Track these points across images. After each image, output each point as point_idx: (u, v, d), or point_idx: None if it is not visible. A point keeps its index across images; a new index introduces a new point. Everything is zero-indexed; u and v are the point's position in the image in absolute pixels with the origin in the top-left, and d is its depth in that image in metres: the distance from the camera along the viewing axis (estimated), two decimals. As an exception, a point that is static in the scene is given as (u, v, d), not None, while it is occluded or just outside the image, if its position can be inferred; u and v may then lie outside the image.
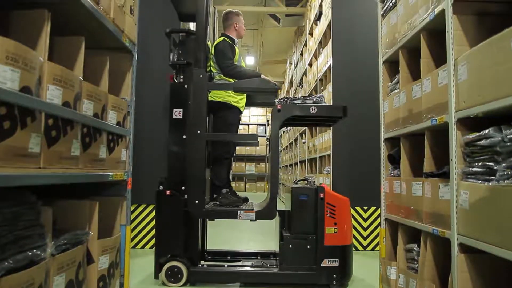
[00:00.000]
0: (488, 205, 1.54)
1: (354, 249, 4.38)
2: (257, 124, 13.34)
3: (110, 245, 2.38)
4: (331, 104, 4.24)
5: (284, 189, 9.87)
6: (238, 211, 2.90)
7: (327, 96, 4.47)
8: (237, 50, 3.25)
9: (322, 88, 5.13)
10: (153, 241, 4.06)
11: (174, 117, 3.12)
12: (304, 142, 6.09)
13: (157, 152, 4.06)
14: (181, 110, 3.12)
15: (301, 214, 2.96)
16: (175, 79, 3.18)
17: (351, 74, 4.19)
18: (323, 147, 4.73)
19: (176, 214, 2.95)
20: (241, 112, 3.35)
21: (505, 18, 1.88)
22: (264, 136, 13.08)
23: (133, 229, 4.14)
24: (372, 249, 4.26)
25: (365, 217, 4.29)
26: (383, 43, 2.81)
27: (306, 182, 3.55)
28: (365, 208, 4.28)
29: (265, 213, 2.92)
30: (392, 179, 2.56)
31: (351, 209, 4.27)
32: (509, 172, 1.46)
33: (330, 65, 4.42)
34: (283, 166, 9.90)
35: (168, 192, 2.99)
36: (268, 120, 12.10)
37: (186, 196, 2.98)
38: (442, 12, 1.94)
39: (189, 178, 2.91)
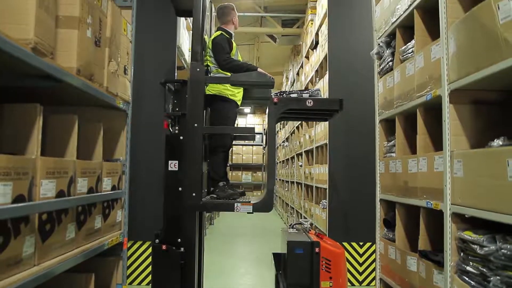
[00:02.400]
0: (482, 313, 1.55)
1: (349, 284, 4.44)
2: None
3: (106, 315, 2.38)
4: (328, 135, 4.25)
5: (280, 201, 9.90)
6: (235, 204, 2.85)
7: (323, 130, 4.46)
8: (234, 44, 3.25)
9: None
10: (149, 278, 4.06)
11: (169, 169, 3.09)
12: (301, 165, 6.09)
13: (154, 189, 4.05)
14: (177, 162, 3.09)
15: (297, 267, 2.96)
16: (170, 129, 3.16)
17: (348, 112, 4.17)
18: (319, 178, 4.73)
19: (172, 269, 2.94)
20: (238, 106, 3.33)
21: (501, 107, 1.89)
22: (261, 145, 13.08)
23: (129, 266, 4.13)
24: (368, 284, 4.29)
25: (361, 253, 4.31)
26: (379, 102, 2.81)
27: (301, 226, 3.54)
28: (361, 243, 4.29)
29: (262, 206, 2.87)
30: (387, 244, 2.56)
31: (347, 244, 4.31)
32: (503, 287, 1.47)
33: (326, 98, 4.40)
34: (279, 179, 9.91)
35: (164, 247, 2.97)
36: (264, 129, 12.08)
37: (182, 249, 2.97)
38: (439, 96, 1.93)
39: (186, 171, 2.83)
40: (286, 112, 2.98)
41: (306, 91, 3.02)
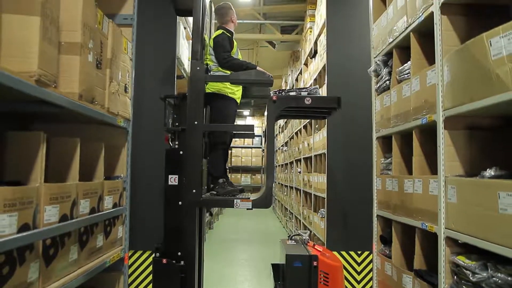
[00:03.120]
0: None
1: (347, 293, 4.50)
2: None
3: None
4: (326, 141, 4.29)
5: (279, 205, 9.95)
6: (235, 200, 2.90)
7: (321, 139, 4.51)
8: (235, 43, 3.30)
9: (317, 126, 5.16)
10: (150, 287, 4.11)
11: (169, 183, 3.13)
12: (300, 172, 6.13)
13: (154, 197, 4.08)
14: (177, 176, 3.13)
15: (295, 281, 3.00)
16: (170, 143, 3.19)
17: (347, 123, 4.20)
18: (318, 187, 4.78)
19: (173, 282, 2.99)
20: (237, 104, 3.38)
21: (495, 131, 1.93)
22: (260, 148, 13.13)
23: (130, 275, 4.18)
24: (365, 293, 4.34)
25: (359, 261, 4.36)
26: (376, 119, 2.85)
27: (300, 238, 3.59)
28: (359, 252, 4.34)
29: (261, 202, 2.91)
30: (384, 260, 2.61)
31: (345, 253, 4.37)
32: (494, 314, 1.52)
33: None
34: (279, 183, 9.97)
35: (164, 261, 3.01)
36: (264, 131, 12.14)
37: (182, 262, 3.02)
38: (434, 121, 1.97)
39: (186, 168, 2.87)
40: (285, 110, 3.01)
41: (304, 89, 3.05)
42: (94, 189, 2.25)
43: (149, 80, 4.12)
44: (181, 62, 4.67)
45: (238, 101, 3.37)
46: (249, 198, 2.93)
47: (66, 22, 1.95)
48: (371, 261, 4.38)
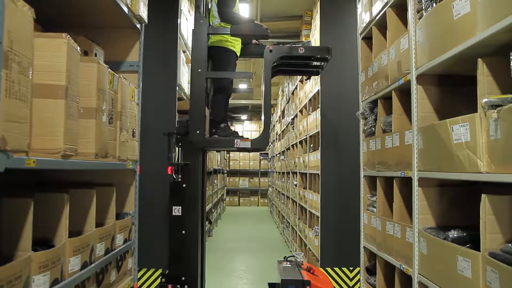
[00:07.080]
0: None
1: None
2: (250, 140, 13.55)
3: None
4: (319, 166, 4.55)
5: (276, 211, 10.24)
6: (235, 140, 3.18)
7: (316, 160, 4.77)
8: (237, 1, 3.60)
9: (312, 145, 5.42)
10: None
11: (173, 214, 3.39)
12: (296, 185, 6.40)
13: (157, 217, 4.32)
14: (180, 207, 3.39)
15: (290, 304, 3.29)
16: (174, 175, 3.44)
17: (339, 145, 4.46)
18: (313, 205, 5.04)
19: (177, 305, 3.25)
20: (237, 57, 3.65)
21: (461, 188, 2.20)
22: (257, 152, 13.37)
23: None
24: (357, 305, 4.63)
25: (351, 277, 4.64)
26: (364, 159, 3.10)
27: (295, 259, 3.85)
28: (351, 268, 4.62)
29: (259, 143, 3.23)
30: (369, 289, 2.88)
31: (338, 269, 4.65)
32: None
33: (318, 131, 4.68)
34: (275, 189, 10.25)
35: (170, 287, 3.28)
36: (261, 135, 12.40)
37: (186, 286, 3.29)
38: (410, 178, 2.23)
39: (191, 111, 3.13)
40: (280, 62, 3.28)
41: (298, 43, 3.38)
42: (108, 232, 2.50)
43: (150, 111, 4.29)
44: (181, 88, 4.89)
45: (238, 54, 3.65)
46: (248, 138, 3.21)
47: (83, 90, 2.18)
48: (361, 276, 4.68)
